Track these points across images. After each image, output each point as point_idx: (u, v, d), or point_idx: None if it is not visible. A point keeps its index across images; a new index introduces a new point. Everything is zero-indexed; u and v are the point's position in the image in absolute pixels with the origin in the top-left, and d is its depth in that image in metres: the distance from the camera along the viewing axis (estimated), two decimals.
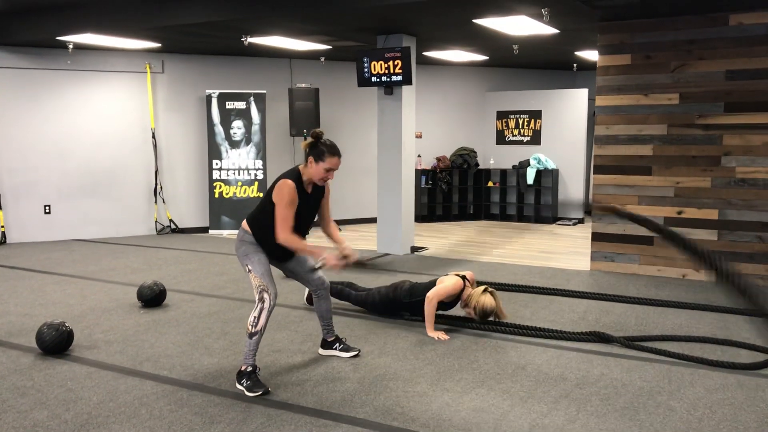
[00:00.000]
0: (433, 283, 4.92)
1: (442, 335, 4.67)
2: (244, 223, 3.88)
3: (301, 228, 3.86)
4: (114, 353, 4.36)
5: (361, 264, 4.12)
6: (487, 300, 4.75)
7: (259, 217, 3.82)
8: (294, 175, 3.77)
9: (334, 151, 3.77)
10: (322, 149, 3.74)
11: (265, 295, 3.73)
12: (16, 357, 4.29)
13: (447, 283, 4.81)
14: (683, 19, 6.47)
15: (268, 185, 9.68)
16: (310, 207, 3.90)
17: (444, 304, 4.87)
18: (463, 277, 4.88)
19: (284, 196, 3.67)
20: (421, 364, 4.13)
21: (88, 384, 3.82)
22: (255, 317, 3.73)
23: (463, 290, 4.84)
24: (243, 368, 3.77)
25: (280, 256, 3.94)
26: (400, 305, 5.07)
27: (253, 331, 3.73)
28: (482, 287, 4.84)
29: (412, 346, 4.50)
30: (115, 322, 5.08)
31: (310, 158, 3.76)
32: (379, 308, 5.20)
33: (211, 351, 4.40)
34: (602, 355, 4.32)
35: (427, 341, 4.60)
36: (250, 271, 3.79)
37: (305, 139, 3.81)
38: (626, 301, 5.71)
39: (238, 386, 3.73)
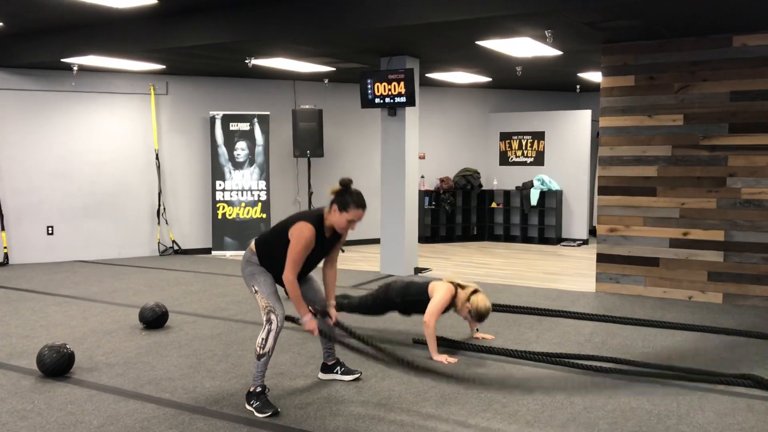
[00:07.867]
0: (426, 286, 4.84)
1: (449, 358, 4.60)
2: (252, 245, 3.83)
3: (307, 267, 3.82)
4: (115, 376, 4.31)
5: (328, 336, 4.07)
6: (481, 300, 4.73)
7: (271, 244, 3.77)
8: (316, 219, 3.70)
9: (359, 203, 3.69)
10: (347, 200, 3.66)
11: (273, 317, 3.69)
12: (16, 379, 4.25)
13: (440, 296, 4.70)
14: (687, 40, 6.48)
15: (272, 206, 9.73)
16: (324, 250, 3.86)
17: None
18: (457, 285, 4.81)
19: (301, 241, 3.60)
20: (425, 387, 4.08)
21: (89, 407, 3.77)
22: (263, 339, 3.69)
23: (455, 296, 4.77)
24: (252, 389, 3.74)
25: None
26: (391, 304, 4.97)
27: (261, 352, 3.70)
28: (471, 288, 4.79)
29: None
30: (116, 344, 5.04)
31: (335, 206, 3.66)
32: (369, 308, 5.11)
33: (213, 374, 4.35)
34: (610, 377, 4.26)
35: (431, 364, 4.54)
36: (256, 291, 3.75)
37: (336, 185, 3.75)
38: (633, 323, 5.65)
39: (248, 407, 3.70)
